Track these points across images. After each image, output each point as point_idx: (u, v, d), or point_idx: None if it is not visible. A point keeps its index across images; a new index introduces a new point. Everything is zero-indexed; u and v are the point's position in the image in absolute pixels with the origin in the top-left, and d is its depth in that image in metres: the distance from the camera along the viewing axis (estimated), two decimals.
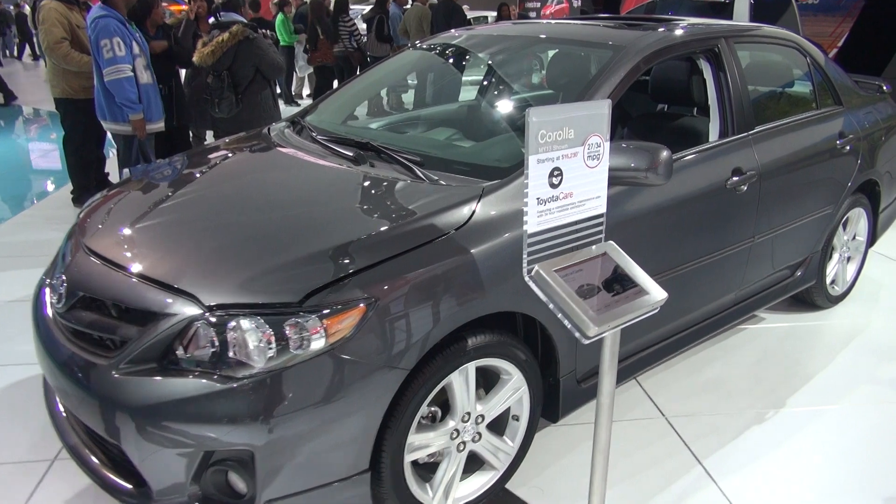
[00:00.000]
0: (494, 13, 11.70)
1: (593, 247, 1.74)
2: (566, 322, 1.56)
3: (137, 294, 1.84)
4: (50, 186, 6.24)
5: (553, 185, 1.61)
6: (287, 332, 1.70)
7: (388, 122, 3.49)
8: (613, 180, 2.14)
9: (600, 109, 1.66)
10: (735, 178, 2.73)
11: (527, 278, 1.62)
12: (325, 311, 1.72)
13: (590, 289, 1.61)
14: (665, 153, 2.12)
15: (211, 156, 2.82)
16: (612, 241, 1.77)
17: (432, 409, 2.05)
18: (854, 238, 3.77)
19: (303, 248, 1.88)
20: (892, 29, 6.25)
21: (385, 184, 2.26)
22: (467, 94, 3.68)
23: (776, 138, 2.99)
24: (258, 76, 4.83)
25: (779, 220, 3.04)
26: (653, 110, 3.57)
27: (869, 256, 3.99)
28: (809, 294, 3.64)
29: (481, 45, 3.27)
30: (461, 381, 2.02)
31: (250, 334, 1.71)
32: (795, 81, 3.56)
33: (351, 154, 2.47)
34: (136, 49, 4.56)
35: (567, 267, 1.64)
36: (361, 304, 1.76)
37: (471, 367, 2.03)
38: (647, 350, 2.73)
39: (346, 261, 1.83)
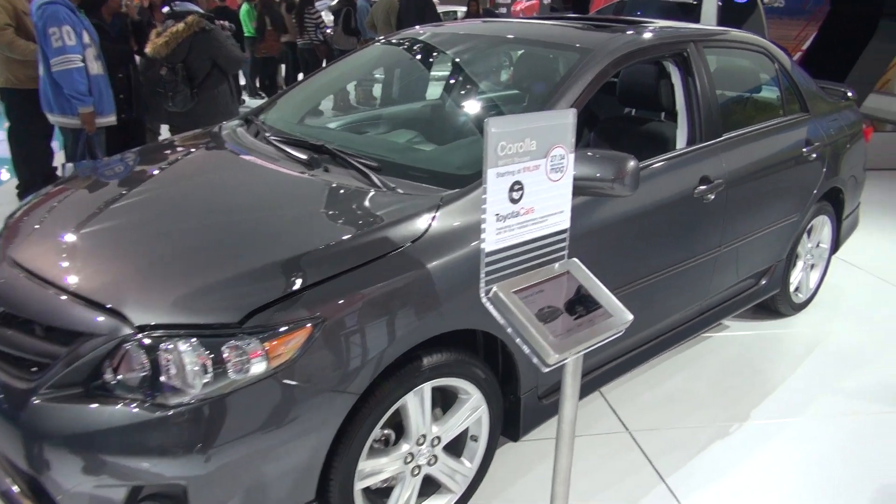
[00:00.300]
0: (465, 8, 11.58)
1: (556, 265, 1.64)
2: (525, 348, 1.46)
3: (63, 311, 1.69)
4: None
5: (513, 200, 1.51)
6: (225, 355, 1.57)
7: (348, 121, 3.35)
8: (578, 190, 2.05)
9: (564, 119, 1.56)
10: (703, 187, 2.66)
11: (484, 300, 1.51)
12: (268, 333, 1.59)
13: (551, 311, 1.51)
14: (632, 163, 2.03)
15: (156, 156, 2.65)
16: (575, 259, 1.67)
17: (385, 432, 1.93)
18: (818, 245, 3.76)
19: (245, 262, 1.75)
20: (857, 34, 6.30)
21: (338, 191, 2.13)
22: (433, 93, 3.56)
23: (744, 146, 2.93)
24: (215, 69, 4.65)
25: (745, 229, 2.99)
26: (620, 113, 3.49)
27: (831, 263, 3.99)
28: (773, 302, 3.61)
29: (447, 43, 3.16)
30: (416, 403, 1.91)
31: (185, 357, 1.57)
32: (763, 87, 3.52)
33: (304, 157, 2.34)
34: (86, 38, 4.33)
35: (527, 288, 1.54)
36: (307, 325, 1.64)
37: (427, 388, 1.92)
38: (611, 363, 2.65)
39: (292, 276, 1.70)
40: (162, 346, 1.58)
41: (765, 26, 7.76)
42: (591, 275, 1.65)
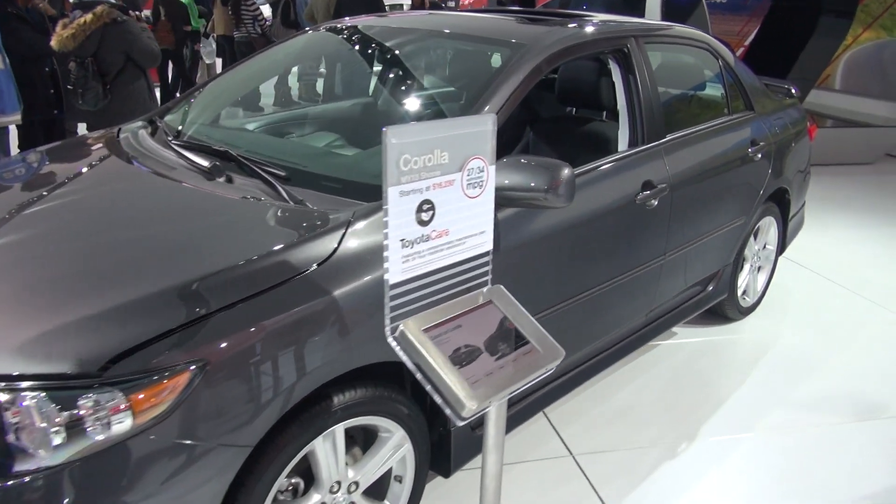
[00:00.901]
0: (409, 1, 11.29)
1: (478, 293, 1.42)
2: (436, 398, 1.24)
3: None
4: None
5: (422, 223, 1.28)
6: (81, 412, 1.31)
7: (267, 122, 3.08)
8: (507, 201, 1.84)
9: (482, 126, 1.34)
10: (646, 193, 2.49)
11: (390, 339, 1.29)
12: (132, 383, 1.33)
13: (469, 352, 1.30)
14: (566, 172, 1.83)
15: (37, 165, 2.34)
16: (500, 286, 1.46)
17: (293, 480, 1.69)
18: (765, 247, 3.65)
19: (114, 295, 1.48)
20: (799, 30, 6.29)
21: (237, 207, 1.87)
22: (362, 90, 3.32)
23: (688, 147, 2.78)
24: (129, 64, 4.29)
25: (691, 235, 2.84)
26: (562, 112, 3.31)
27: (777, 263, 3.89)
28: (721, 307, 3.49)
29: (380, 36, 2.91)
30: (327, 448, 1.67)
31: (33, 416, 1.30)
32: (707, 84, 3.39)
33: (205, 166, 2.07)
34: None
35: (441, 324, 1.32)
36: (185, 370, 1.38)
37: (339, 430, 1.69)
38: (554, 381, 2.47)
39: (169, 312, 1.44)
40: (3, 400, 1.30)
41: (708, 22, 7.73)
42: (518, 304, 1.44)
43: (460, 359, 1.26)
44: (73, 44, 4.11)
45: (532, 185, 1.82)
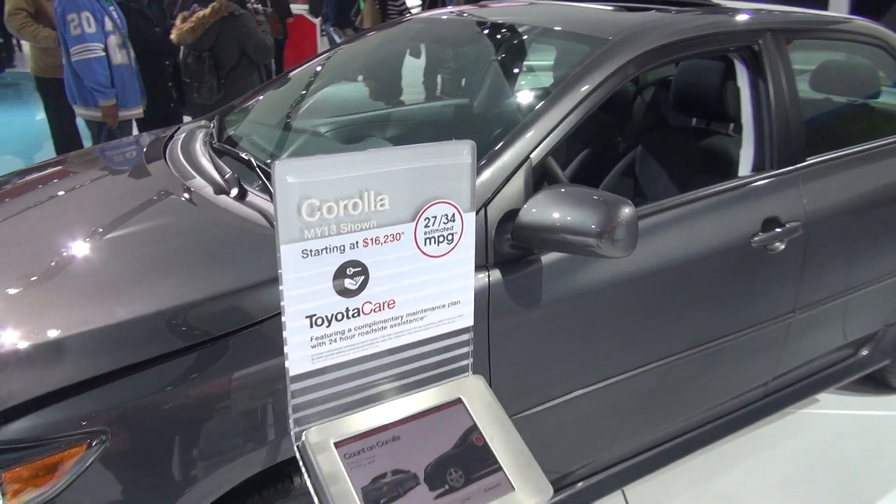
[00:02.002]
0: None
1: (446, 384, 1.03)
2: None
3: None
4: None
5: (346, 292, 0.91)
6: None
7: (345, 123, 2.81)
8: (546, 244, 1.42)
9: (453, 157, 0.94)
10: (768, 233, 1.91)
11: (295, 447, 0.93)
12: (10, 455, 1.09)
13: (396, 482, 0.91)
14: (626, 212, 1.37)
15: (61, 168, 2.23)
16: (479, 378, 1.05)
17: None
18: None
19: (13, 335, 1.24)
20: None
21: (223, 232, 1.59)
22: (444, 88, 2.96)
23: (837, 175, 2.13)
24: (244, 59, 4.26)
25: (835, 287, 2.19)
26: (684, 122, 2.74)
27: None
28: (883, 374, 2.74)
29: (446, 31, 2.54)
30: None
31: None
32: (880, 93, 2.65)
33: (219, 179, 1.82)
34: (108, 25, 4.05)
35: (367, 434, 0.94)
36: (81, 443, 1.12)
37: None
38: (637, 457, 1.99)
39: (70, 363, 1.18)
40: None
41: None
42: (501, 407, 1.02)
43: (379, 494, 0.88)
44: (192, 37, 4.14)
45: (578, 226, 1.38)
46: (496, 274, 1.49)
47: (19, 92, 9.38)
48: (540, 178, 1.66)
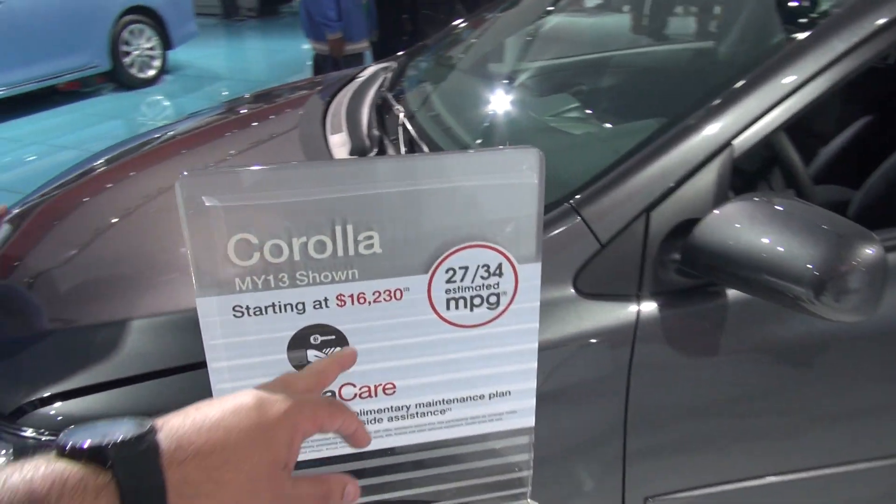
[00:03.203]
0: None
1: None
2: None
3: None
4: None
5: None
6: None
7: (538, 69, 2.37)
8: (734, 282, 0.97)
9: (506, 175, 0.57)
10: None
11: None
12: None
13: None
14: (869, 253, 0.86)
15: (256, 101, 2.16)
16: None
17: None
18: None
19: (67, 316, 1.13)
20: None
21: None
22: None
23: None
24: None
25: None
26: None
27: None
28: None
29: None
30: None
31: None
32: None
33: (365, 136, 1.59)
34: None
35: None
36: None
37: None
38: None
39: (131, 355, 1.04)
40: None
41: None
42: None
43: None
44: None
45: (785, 263, 0.89)
46: (650, 307, 1.05)
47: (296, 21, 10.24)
48: (754, 176, 1.15)
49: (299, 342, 0.58)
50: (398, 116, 1.55)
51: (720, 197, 1.05)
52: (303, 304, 0.57)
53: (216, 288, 0.55)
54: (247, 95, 2.40)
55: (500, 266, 0.59)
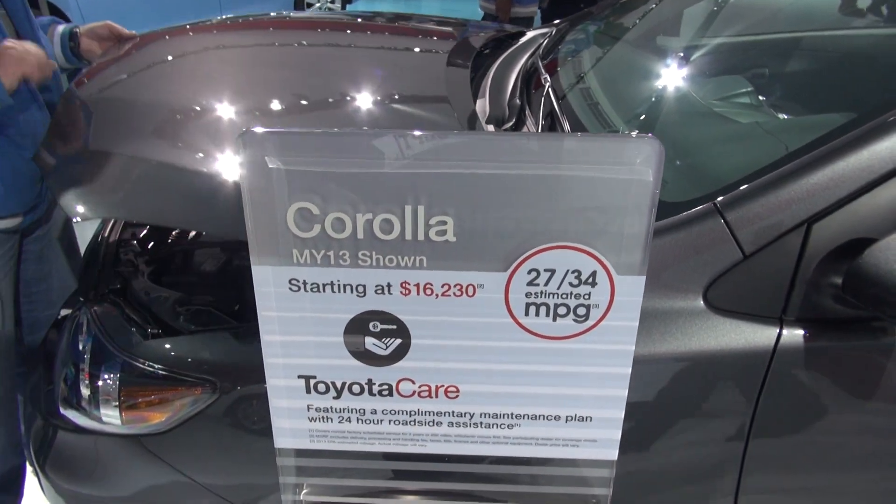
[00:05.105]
0: None
1: None
2: None
3: None
4: None
5: (372, 358, 0.55)
6: None
7: (715, 46, 2.13)
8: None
9: (614, 169, 0.47)
10: None
11: None
12: (135, 377, 1.03)
13: None
14: None
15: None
16: None
17: None
18: None
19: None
20: None
21: None
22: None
23: None
24: None
25: None
26: None
27: None
28: None
29: None
30: None
31: None
32: None
33: (505, 106, 1.50)
34: None
35: None
36: (198, 385, 1.01)
37: None
38: None
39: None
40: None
41: None
42: None
43: None
44: None
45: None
46: (794, 334, 0.90)
47: None
48: None
49: (357, 327, 0.53)
50: (543, 87, 1.44)
51: None
52: (363, 286, 0.51)
53: (274, 257, 0.50)
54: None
55: (593, 274, 0.50)
